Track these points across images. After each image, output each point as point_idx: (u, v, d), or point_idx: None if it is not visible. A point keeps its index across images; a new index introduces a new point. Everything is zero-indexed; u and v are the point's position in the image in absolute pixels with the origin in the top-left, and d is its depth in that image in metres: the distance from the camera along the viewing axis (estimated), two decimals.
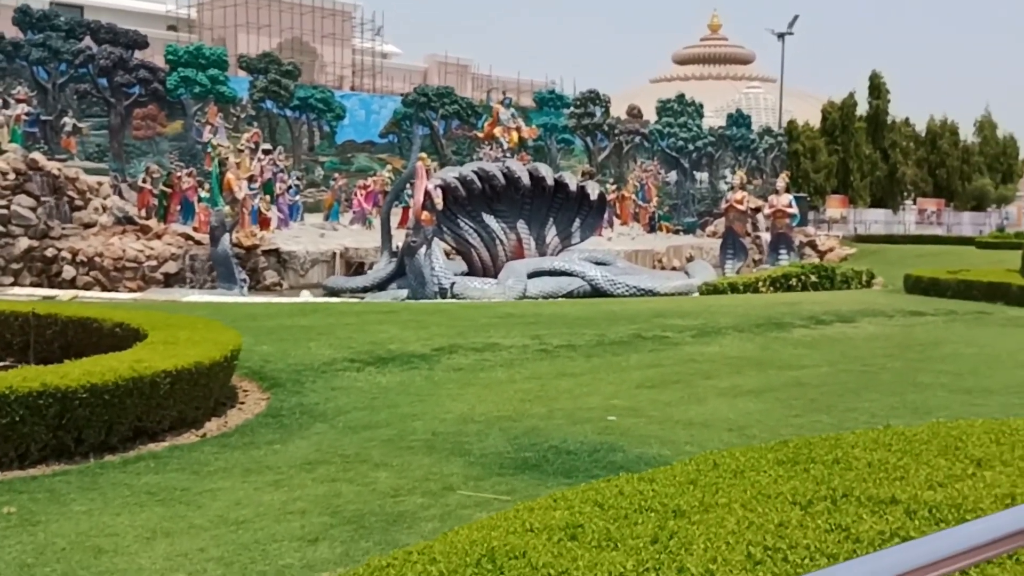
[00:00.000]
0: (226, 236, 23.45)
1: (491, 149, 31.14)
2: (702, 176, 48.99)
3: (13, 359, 8.76)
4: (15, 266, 25.24)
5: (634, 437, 6.43)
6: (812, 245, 44.70)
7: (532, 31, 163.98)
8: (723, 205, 34.08)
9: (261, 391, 7.98)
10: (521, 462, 5.70)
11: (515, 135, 29.34)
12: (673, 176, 48.08)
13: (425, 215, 22.94)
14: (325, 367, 8.85)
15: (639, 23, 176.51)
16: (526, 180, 27.05)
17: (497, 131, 29.36)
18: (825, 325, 12.77)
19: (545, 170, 28.13)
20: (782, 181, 31.19)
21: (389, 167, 37.24)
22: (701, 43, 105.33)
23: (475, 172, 26.61)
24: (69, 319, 8.69)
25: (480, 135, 31.00)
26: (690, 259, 39.81)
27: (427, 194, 23.27)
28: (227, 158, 23.50)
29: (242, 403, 7.50)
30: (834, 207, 56.61)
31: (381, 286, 25.92)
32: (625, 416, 7.12)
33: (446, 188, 25.78)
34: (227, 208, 23.43)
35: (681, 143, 47.98)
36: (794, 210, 30.24)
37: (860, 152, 57.52)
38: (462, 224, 26.62)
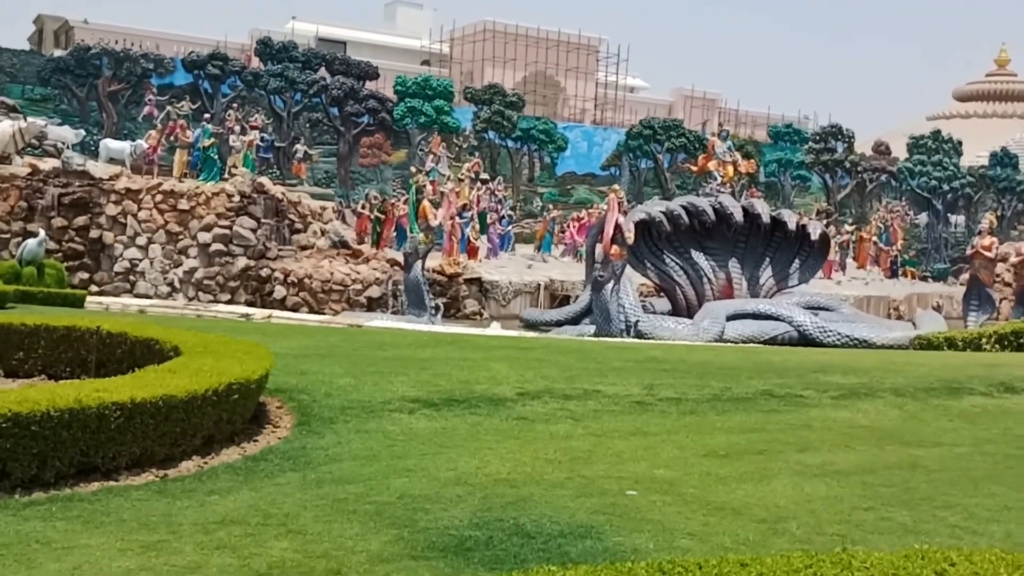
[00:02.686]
0: (418, 263, 23.54)
1: (721, 184, 29.76)
2: (957, 219, 44.88)
3: (85, 375, 8.75)
4: (233, 284, 26.61)
5: (633, 520, 5.35)
6: None
7: (791, 66, 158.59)
8: (969, 251, 30.79)
9: (292, 426, 7.48)
10: (458, 542, 4.79)
11: (731, 169, 27.77)
12: (924, 218, 44.36)
13: (614, 249, 22.01)
14: (379, 406, 8.24)
15: (916, 58, 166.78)
16: (739, 216, 25.51)
17: (711, 164, 27.91)
18: (1012, 394, 10.79)
19: (761, 206, 26.46)
20: None
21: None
22: (986, 79, 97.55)
23: (683, 207, 25.39)
24: (136, 339, 8.57)
25: (694, 168, 29.69)
26: (937, 308, 36.46)
27: (618, 227, 22.36)
28: (424, 186, 23.68)
29: (256, 439, 7.00)
30: None
31: (574, 320, 25.21)
32: (652, 491, 6.01)
33: (650, 223, 24.79)
34: (421, 235, 23.56)
35: (934, 183, 44.23)
36: None
37: None
38: (667, 260, 25.47)
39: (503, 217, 32.96)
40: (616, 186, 23.98)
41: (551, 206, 34.71)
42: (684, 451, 7.25)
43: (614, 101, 56.27)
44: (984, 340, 19.38)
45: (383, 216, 29.77)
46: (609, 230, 22.23)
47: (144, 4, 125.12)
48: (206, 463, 6.25)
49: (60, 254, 25.50)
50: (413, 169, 29.25)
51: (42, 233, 17.99)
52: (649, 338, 20.91)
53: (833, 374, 11.80)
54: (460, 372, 10.38)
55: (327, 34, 56.22)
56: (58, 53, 30.88)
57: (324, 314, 25.06)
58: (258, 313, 21.94)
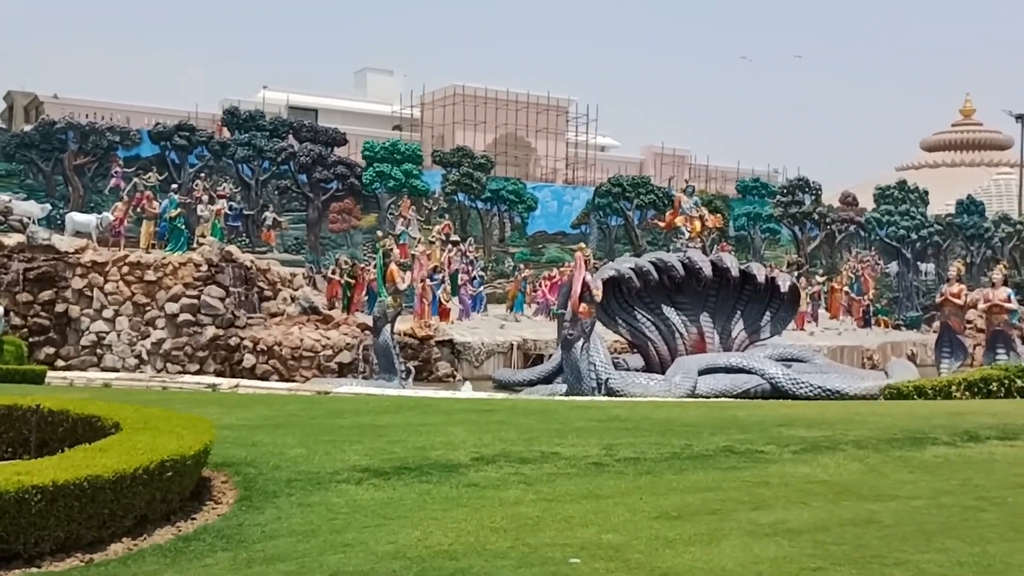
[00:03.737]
0: (387, 327, 23.42)
1: (689, 239, 29.84)
2: (927, 267, 45.23)
3: (27, 455, 8.53)
4: (201, 354, 26.34)
5: None
6: None
7: (759, 121, 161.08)
8: (938, 299, 30.93)
9: (233, 502, 7.28)
10: None
11: (697, 224, 27.90)
12: (894, 267, 44.70)
13: (583, 307, 21.93)
14: (327, 477, 8.07)
15: (882, 110, 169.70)
16: (708, 271, 25.63)
17: (679, 220, 28.04)
18: (975, 443, 10.70)
19: (730, 260, 26.59)
20: (999, 273, 27.87)
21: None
22: (952, 128, 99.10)
23: (652, 263, 25.49)
24: (78, 416, 8.38)
25: (662, 224, 29.81)
26: (911, 356, 36.54)
27: (585, 285, 22.30)
28: (391, 249, 23.63)
29: (194, 517, 6.80)
30: None
31: (547, 380, 25.11)
32: (597, 558, 5.85)
33: (620, 279, 24.81)
34: (389, 299, 23.44)
35: (902, 232, 44.65)
36: (1013, 305, 26.85)
37: None
38: (639, 316, 25.50)
39: (474, 278, 32.94)
40: (583, 244, 23.96)
41: (522, 266, 34.74)
42: (635, 514, 7.09)
43: (585, 160, 56.74)
44: (954, 387, 19.33)
45: (353, 280, 29.69)
46: (577, 288, 22.16)
47: (115, 78, 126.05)
48: (136, 545, 6.05)
49: (26, 329, 25.23)
50: (379, 233, 29.24)
51: (0, 309, 17.73)
52: (621, 395, 20.77)
53: (797, 427, 11.70)
54: (417, 438, 10.23)
55: (298, 102, 56.58)
56: (25, 128, 30.94)
57: (295, 381, 24.81)
58: (225, 383, 21.66)
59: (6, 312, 24.67)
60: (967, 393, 19.11)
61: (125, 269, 26.47)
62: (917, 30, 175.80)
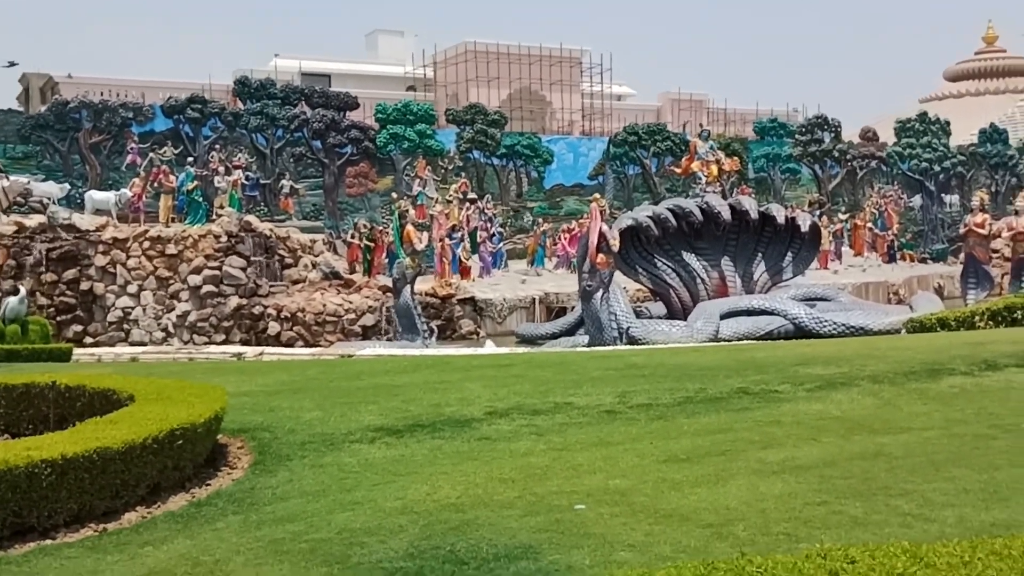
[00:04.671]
0: (407, 288, 23.51)
1: (706, 184, 29.61)
2: (952, 199, 44.64)
3: (47, 430, 8.68)
4: (226, 324, 26.59)
5: (575, 536, 5.24)
6: None
7: (778, 61, 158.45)
8: (962, 229, 30.61)
9: (248, 467, 7.40)
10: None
11: (714, 168, 27.71)
12: (917, 201, 44.15)
13: (600, 258, 21.91)
14: (341, 438, 8.16)
15: (902, 43, 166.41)
16: (726, 215, 25.42)
17: (695, 165, 27.85)
18: (993, 371, 10.63)
19: (748, 203, 26.36)
20: (1022, 200, 27.60)
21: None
22: (975, 57, 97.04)
23: (670, 209, 25.31)
24: (94, 390, 8.50)
25: (678, 170, 29.61)
26: (938, 289, 36.26)
27: (602, 236, 22.25)
28: (407, 211, 23.65)
29: (209, 483, 6.91)
30: None
31: (569, 332, 25.12)
32: (603, 503, 5.90)
33: (638, 228, 24.69)
34: (408, 260, 23.52)
35: (925, 164, 44.02)
36: None
37: None
38: (659, 264, 25.38)
39: (493, 235, 32.91)
40: (598, 195, 23.95)
41: (541, 220, 34.65)
42: (644, 458, 7.13)
43: (601, 110, 56.23)
44: (977, 317, 19.18)
45: (373, 244, 29.73)
46: (593, 239, 22.11)
47: (128, 55, 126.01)
48: (150, 513, 6.16)
49: (52, 308, 25.58)
50: (395, 195, 29.22)
51: (23, 290, 17.99)
52: (643, 343, 20.77)
53: (814, 366, 11.67)
54: (432, 396, 10.31)
55: (310, 68, 56.36)
56: (39, 110, 31.10)
57: (319, 346, 25.00)
58: (250, 351, 21.86)
59: (31, 293, 24.99)
60: (991, 323, 18.95)
61: (146, 244, 26.68)
62: None
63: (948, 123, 45.87)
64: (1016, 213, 27.16)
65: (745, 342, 19.38)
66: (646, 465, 6.91)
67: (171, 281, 26.65)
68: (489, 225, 32.99)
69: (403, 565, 4.82)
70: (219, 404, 7.41)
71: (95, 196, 28.37)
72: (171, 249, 26.65)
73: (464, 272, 30.36)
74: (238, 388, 11.49)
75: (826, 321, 22.44)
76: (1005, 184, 45.92)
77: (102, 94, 36.67)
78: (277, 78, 38.39)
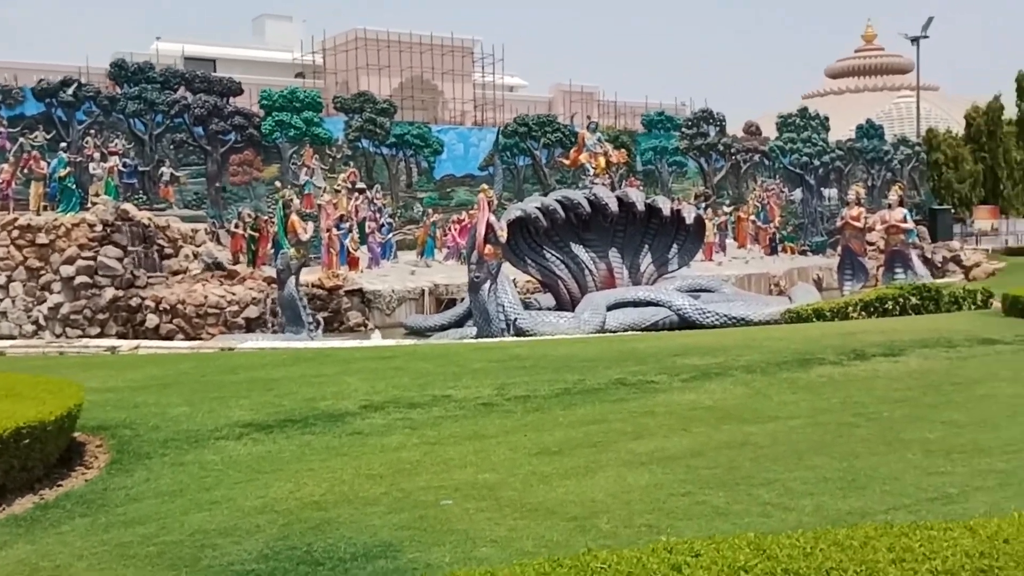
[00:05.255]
0: (292, 279, 23.01)
1: (594, 175, 29.79)
2: (830, 193, 46.02)
3: None
4: (101, 316, 25.60)
5: (438, 532, 5.13)
6: (956, 260, 41.28)
7: (668, 56, 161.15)
8: (839, 223, 31.60)
9: (105, 465, 7.07)
10: None
11: (602, 160, 27.87)
12: (798, 194, 45.38)
13: (488, 249, 21.83)
14: (207, 434, 7.88)
15: (787, 41, 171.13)
16: (614, 207, 25.64)
17: (583, 157, 27.99)
18: (861, 361, 10.95)
19: (635, 195, 26.67)
20: (894, 194, 28.60)
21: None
22: (855, 55, 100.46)
23: (558, 201, 25.41)
24: None
25: (567, 162, 29.72)
26: (818, 280, 37.35)
27: (490, 227, 22.19)
28: (291, 200, 23.12)
29: (60, 484, 6.57)
30: (983, 218, 52.30)
31: (458, 323, 25.02)
32: (470, 498, 5.81)
33: (527, 219, 24.72)
34: (292, 251, 23.01)
35: (805, 159, 45.28)
36: (909, 225, 27.63)
37: (1010, 158, 52.95)
38: (548, 255, 25.47)
39: (383, 225, 32.50)
40: (485, 186, 23.78)
41: (430, 211, 34.37)
42: (516, 452, 7.07)
43: (493, 101, 56.18)
44: (851, 308, 19.84)
45: (257, 234, 29.03)
46: (481, 230, 22.02)
47: (2, 36, 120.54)
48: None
49: None
50: (278, 184, 28.57)
51: None
52: (531, 334, 20.82)
53: (691, 356, 11.85)
54: (307, 390, 10.09)
55: (194, 52, 54.84)
56: None
57: (200, 339, 24.31)
58: (125, 345, 21.11)
59: None
60: (863, 313, 19.63)
61: (15, 233, 25.49)
62: None
63: (827, 118, 47.28)
64: (889, 207, 28.13)
65: (630, 333, 19.59)
66: (517, 458, 6.85)
67: (42, 272, 25.53)
68: (378, 215, 32.56)
69: (255, 567, 4.64)
70: (73, 401, 7.05)
71: None
72: (42, 238, 25.52)
73: (352, 263, 29.91)
74: (104, 383, 11.06)
75: (709, 312, 22.88)
76: (881, 178, 47.55)
77: None
78: (159, 62, 37.16)
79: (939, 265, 40.69)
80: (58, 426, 6.61)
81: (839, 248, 39.03)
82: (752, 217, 40.67)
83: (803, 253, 42.11)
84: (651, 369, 10.84)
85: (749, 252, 39.08)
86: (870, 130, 49.04)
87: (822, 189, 46.30)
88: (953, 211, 47.94)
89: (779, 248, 40.33)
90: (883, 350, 11.60)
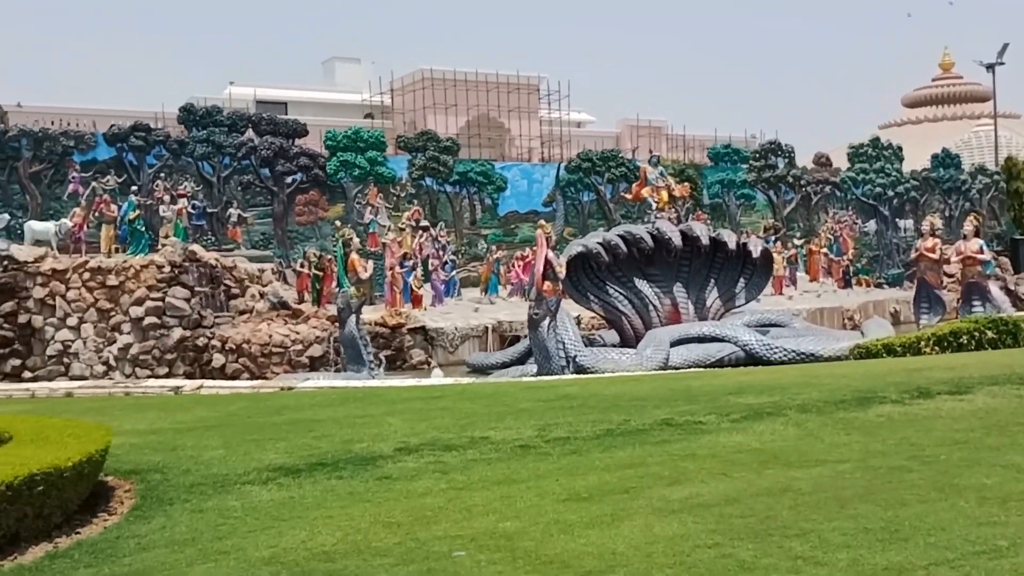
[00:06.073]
0: (352, 318, 23.10)
1: (666, 210, 29.44)
2: (906, 224, 44.87)
3: None
4: (169, 356, 25.99)
5: None
6: None
7: (737, 88, 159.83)
8: (913, 254, 30.63)
9: (127, 511, 6.97)
10: None
11: (664, 194, 27.54)
12: (872, 226, 44.31)
13: (547, 285, 21.66)
14: (236, 478, 7.75)
15: (862, 71, 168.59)
16: (677, 241, 25.29)
17: (645, 192, 27.69)
18: (924, 399, 10.40)
19: (699, 229, 26.28)
20: (969, 225, 27.60)
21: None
22: (932, 84, 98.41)
23: (620, 236, 25.14)
24: None
25: (628, 197, 29.45)
26: (894, 314, 36.33)
27: (548, 263, 22.00)
28: (351, 239, 23.25)
29: (79, 531, 6.47)
30: None
31: (520, 360, 24.82)
32: (485, 549, 5.54)
33: (589, 255, 24.50)
34: (352, 289, 23.10)
35: (878, 189, 44.25)
36: (985, 256, 26.61)
37: None
38: (611, 291, 25.18)
39: (446, 263, 32.56)
40: (543, 222, 23.63)
41: (494, 247, 34.34)
42: (544, 497, 6.78)
43: (560, 137, 56.20)
44: (923, 343, 19.09)
45: (322, 273, 29.27)
46: (540, 267, 21.87)
47: (84, 83, 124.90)
48: (1, 566, 5.72)
49: None
50: (338, 223, 28.83)
51: None
52: (591, 372, 20.50)
53: (746, 395, 11.42)
54: (347, 431, 9.94)
55: (266, 96, 55.96)
56: None
57: (265, 378, 24.47)
58: (188, 384, 21.28)
59: None
60: (936, 348, 18.86)
61: (86, 275, 26.06)
62: None
63: (900, 148, 46.22)
64: (965, 237, 27.16)
65: (687, 371, 19.13)
66: (544, 505, 6.57)
67: (112, 313, 26.04)
68: (441, 253, 32.64)
69: None
70: (96, 446, 6.98)
71: (34, 227, 27.73)
72: (112, 280, 26.05)
73: (416, 301, 29.98)
74: (151, 425, 11.07)
75: (776, 347, 22.33)
76: (958, 208, 46.27)
77: (52, 123, 36.07)
78: (232, 106, 37.96)
79: (1023, 297, 39.31)
80: (77, 472, 6.53)
81: (915, 280, 37.97)
82: (824, 250, 39.83)
83: (878, 286, 41.06)
84: (701, 409, 10.46)
85: (821, 285, 38.23)
86: (946, 159, 47.80)
87: (897, 220, 45.16)
88: None
89: (853, 281, 39.38)
90: (949, 387, 11.03)
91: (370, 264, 23.37)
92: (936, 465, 7.20)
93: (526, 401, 12.01)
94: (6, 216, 28.26)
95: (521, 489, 7.07)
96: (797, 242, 39.86)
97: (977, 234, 27.35)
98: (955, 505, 5.95)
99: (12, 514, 5.92)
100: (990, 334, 19.23)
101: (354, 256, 23.00)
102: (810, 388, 11.71)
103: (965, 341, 19.04)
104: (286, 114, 46.54)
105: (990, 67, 48.07)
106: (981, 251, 26.59)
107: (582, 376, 18.24)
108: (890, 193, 44.64)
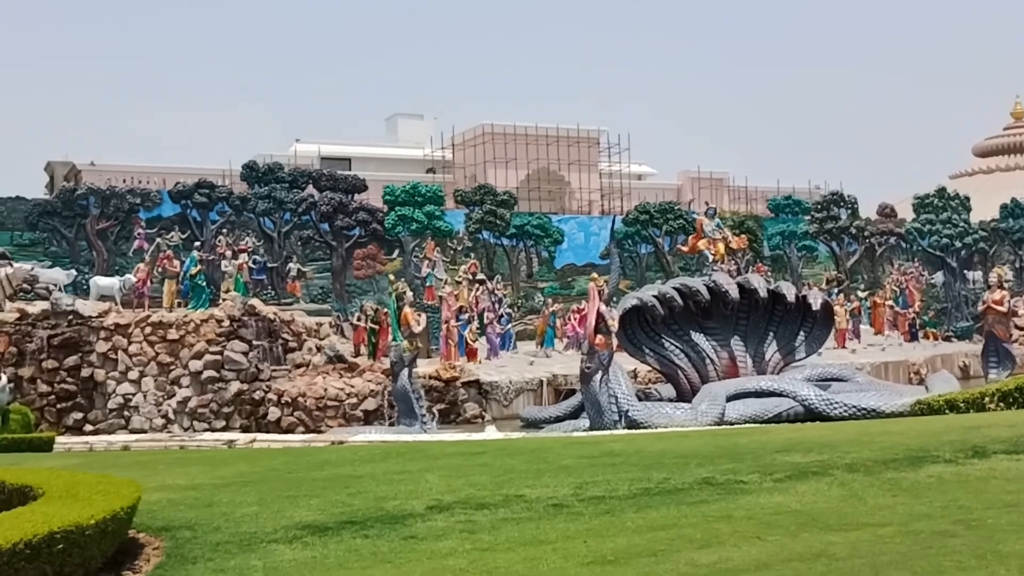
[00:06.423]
0: (404, 371, 23.16)
1: (723, 262, 29.17)
2: (975, 275, 43.79)
3: None
4: (226, 410, 26.30)
5: None
6: None
7: (801, 137, 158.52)
8: (980, 307, 29.88)
9: (152, 569, 6.96)
10: None
11: (721, 246, 27.37)
12: (939, 277, 43.35)
13: (599, 339, 21.50)
14: (263, 536, 7.70)
15: (929, 123, 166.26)
16: (734, 293, 25.00)
17: (702, 244, 27.53)
18: (979, 459, 10.00)
19: (757, 281, 25.96)
20: None
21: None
22: (1004, 132, 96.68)
23: (676, 288, 24.92)
24: (12, 486, 8.13)
25: (684, 249, 29.27)
26: (963, 368, 35.36)
27: (600, 316, 21.87)
28: (404, 293, 23.39)
29: None
30: None
31: (573, 415, 24.61)
32: None
33: (643, 308, 24.30)
34: (405, 343, 23.20)
35: (945, 240, 43.36)
36: None
37: None
38: (666, 344, 24.92)
39: (502, 316, 32.56)
40: (595, 275, 23.59)
41: (550, 300, 34.29)
42: (568, 560, 6.61)
43: (620, 190, 56.24)
44: (987, 399, 18.39)
45: (377, 326, 29.47)
46: (592, 319, 21.75)
47: (154, 141, 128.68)
48: None
49: (52, 396, 25.44)
50: (391, 278, 29.08)
51: (4, 378, 17.77)
52: (645, 427, 20.21)
53: (794, 453, 11.11)
54: (383, 487, 9.85)
55: (330, 152, 57.01)
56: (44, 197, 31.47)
57: (320, 431, 24.58)
58: (243, 438, 21.47)
59: (31, 380, 24.88)
60: (1001, 404, 18.16)
61: (148, 329, 26.59)
62: (962, 31, 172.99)
63: (968, 198, 45.34)
64: None
65: (736, 427, 18.73)
66: (567, 568, 6.40)
67: (172, 367, 26.48)
68: (497, 306, 32.67)
69: None
70: (123, 503, 6.98)
71: (99, 282, 28.44)
72: (173, 334, 26.53)
73: (471, 354, 29.97)
74: (191, 480, 11.11)
75: (836, 403, 21.83)
76: None
77: (124, 181, 37.14)
78: (297, 163, 38.71)
79: None
80: (100, 530, 6.53)
81: (983, 334, 36.94)
82: (890, 302, 39.01)
83: (947, 339, 40.02)
84: (745, 467, 10.17)
85: (887, 339, 37.38)
86: (1016, 209, 46.73)
87: (965, 272, 44.14)
88: None
89: (920, 334, 38.43)
90: (1007, 446, 10.59)
91: (423, 317, 23.48)
92: (982, 529, 6.88)
93: (568, 457, 11.82)
94: (73, 272, 29.05)
95: (547, 551, 6.91)
96: (861, 294, 39.12)
97: None
98: (994, 573, 5.65)
99: (31, 572, 5.92)
100: None
101: (407, 310, 23.11)
102: (861, 446, 11.34)
103: None
104: (350, 170, 47.33)
105: None
106: None
107: (631, 432, 17.94)
108: (957, 244, 43.71)
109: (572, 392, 27.82)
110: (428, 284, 33.49)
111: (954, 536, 6.73)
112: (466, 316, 30.79)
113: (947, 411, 18.13)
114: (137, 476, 11.21)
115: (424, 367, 27.74)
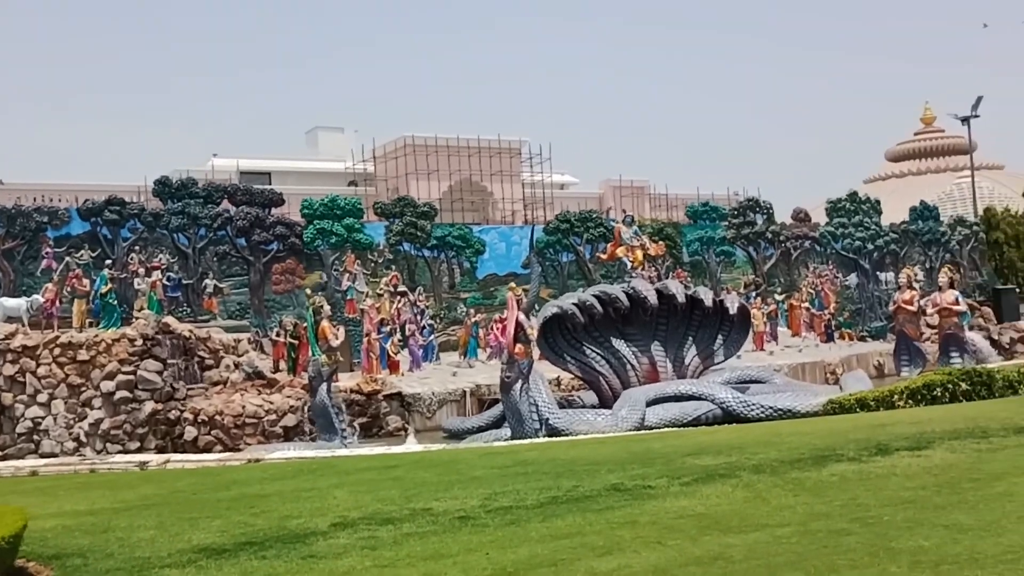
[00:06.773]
0: (323, 386, 22.83)
1: (642, 269, 29.35)
2: (887, 276, 44.89)
3: None
4: (141, 430, 25.61)
5: None
6: None
7: (719, 146, 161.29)
8: (891, 307, 30.54)
9: None
10: None
11: (639, 253, 27.55)
12: (853, 279, 44.35)
13: (519, 348, 21.47)
14: (156, 561, 7.47)
15: (843, 127, 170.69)
16: (653, 299, 25.20)
17: (620, 251, 27.68)
18: (881, 456, 10.18)
19: (675, 287, 26.20)
20: (944, 276, 27.63)
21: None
22: (915, 138, 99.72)
23: (596, 296, 25.05)
24: None
25: (603, 257, 29.43)
26: (878, 367, 36.15)
27: (519, 325, 21.86)
28: (321, 306, 23.09)
29: None
30: None
31: (496, 424, 24.52)
32: None
33: (564, 316, 24.37)
34: (323, 357, 22.89)
35: (858, 243, 44.36)
36: (961, 307, 26.56)
37: None
38: (588, 351, 25.01)
39: (423, 328, 32.35)
40: (513, 284, 23.56)
41: (472, 311, 34.19)
42: (469, 573, 6.52)
43: (543, 199, 56.39)
44: (896, 396, 18.83)
45: (297, 341, 29.03)
46: (511, 329, 21.72)
47: (66, 158, 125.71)
48: None
49: None
50: (308, 292, 28.72)
51: None
52: (565, 434, 20.20)
53: (704, 456, 11.20)
54: (289, 506, 9.66)
55: (249, 167, 56.16)
56: None
57: (239, 449, 24.09)
58: (155, 459, 20.88)
59: None
60: (910, 401, 18.60)
61: (57, 351, 25.77)
62: (873, 41, 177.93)
63: (879, 202, 46.49)
64: (940, 289, 27.12)
65: (652, 431, 18.85)
66: None
67: (83, 388, 25.71)
68: (419, 318, 32.45)
69: None
70: (3, 532, 6.70)
71: (6, 303, 27.53)
72: (83, 355, 25.76)
73: (393, 367, 29.71)
74: (91, 506, 10.77)
75: (753, 405, 22.12)
76: (939, 260, 46.35)
77: (34, 199, 36.06)
78: (216, 178, 38.02)
79: (1007, 346, 39.16)
80: None
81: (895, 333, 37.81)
82: (806, 304, 39.74)
83: (861, 339, 40.92)
84: (654, 472, 10.21)
85: (804, 340, 38.06)
86: (924, 212, 48.04)
87: (878, 273, 45.21)
88: (1018, 290, 46.29)
89: (836, 335, 39.22)
90: (909, 443, 10.82)
91: (341, 331, 23.21)
92: (877, 527, 6.96)
93: (481, 468, 11.75)
94: None
95: (447, 565, 6.81)
96: (778, 297, 39.80)
97: (952, 285, 27.33)
98: (885, 571, 5.71)
99: None
100: (964, 386, 18.99)
101: (324, 323, 22.84)
102: (769, 447, 11.48)
103: (939, 394, 18.79)
104: (270, 184, 46.66)
105: (965, 120, 48.58)
106: (957, 302, 26.54)
107: (548, 440, 17.93)
108: (869, 246, 44.76)
109: (496, 402, 27.74)
110: (349, 297, 33.14)
111: (850, 534, 6.80)
112: (388, 328, 30.53)
113: (858, 409, 18.49)
114: (35, 502, 10.88)
115: (346, 381, 27.40)
